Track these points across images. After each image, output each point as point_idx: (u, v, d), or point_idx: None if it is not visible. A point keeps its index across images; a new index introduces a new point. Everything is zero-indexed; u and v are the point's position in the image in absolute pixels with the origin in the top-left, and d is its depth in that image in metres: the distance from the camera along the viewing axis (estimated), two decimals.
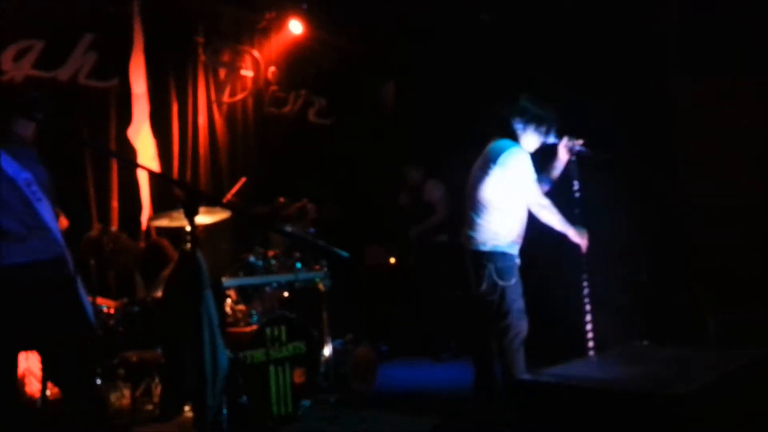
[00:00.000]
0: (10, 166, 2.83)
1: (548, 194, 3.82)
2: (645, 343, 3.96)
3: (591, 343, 3.84)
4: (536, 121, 3.65)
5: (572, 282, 4.40)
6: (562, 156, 3.79)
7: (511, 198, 3.62)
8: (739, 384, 2.85)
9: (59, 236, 2.91)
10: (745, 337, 4.22)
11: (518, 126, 3.66)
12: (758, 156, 4.69)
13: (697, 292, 4.74)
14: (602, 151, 3.84)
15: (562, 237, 3.85)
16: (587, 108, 4.82)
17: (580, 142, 3.77)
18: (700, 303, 4.68)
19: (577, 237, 3.66)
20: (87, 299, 3.05)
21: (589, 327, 3.85)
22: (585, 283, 3.87)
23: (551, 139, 3.72)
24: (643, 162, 4.94)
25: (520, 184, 3.59)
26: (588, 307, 3.88)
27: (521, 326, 3.59)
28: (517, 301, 3.58)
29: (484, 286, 3.57)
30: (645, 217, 4.90)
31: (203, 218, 3.98)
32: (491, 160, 3.63)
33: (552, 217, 3.61)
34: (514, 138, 3.67)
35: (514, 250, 3.67)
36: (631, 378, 2.87)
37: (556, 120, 3.71)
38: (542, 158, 3.87)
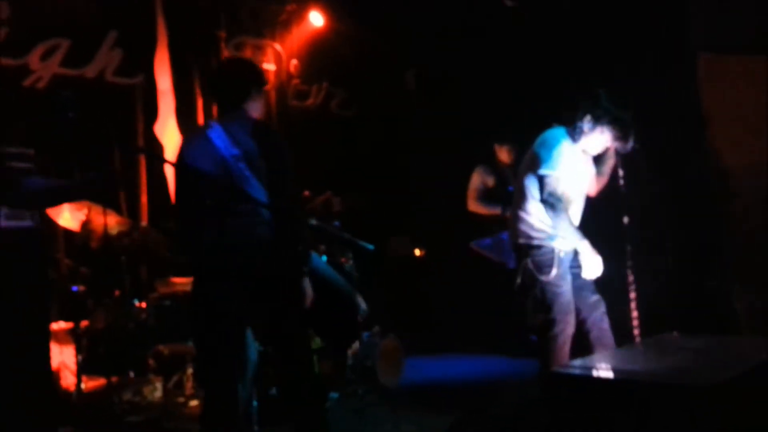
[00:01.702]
0: (222, 142, 2.75)
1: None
2: (675, 333, 3.94)
3: (636, 332, 3.80)
4: (613, 124, 3.37)
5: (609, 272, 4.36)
6: (612, 156, 3.59)
7: None
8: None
9: (267, 216, 2.74)
10: None
11: (586, 124, 3.38)
12: None
13: (730, 280, 4.69)
14: (638, 143, 3.63)
15: (601, 228, 3.78)
16: (615, 93, 4.79)
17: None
18: (733, 290, 4.62)
19: (590, 256, 3.38)
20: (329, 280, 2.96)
21: (634, 315, 3.81)
22: (629, 271, 3.81)
23: (627, 147, 3.45)
24: (674, 147, 4.89)
25: (538, 171, 3.38)
26: (633, 295, 3.83)
27: (566, 321, 3.41)
28: (561, 295, 3.40)
29: (519, 280, 3.48)
30: (674, 203, 4.85)
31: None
32: (534, 146, 3.49)
33: (559, 221, 3.35)
34: (573, 131, 3.43)
35: (558, 243, 3.45)
36: (660, 369, 2.86)
37: (632, 126, 3.42)
38: None
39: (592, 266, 3.37)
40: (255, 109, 2.90)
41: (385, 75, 6.78)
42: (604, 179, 3.68)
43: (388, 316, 5.19)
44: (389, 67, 6.79)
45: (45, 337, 3.34)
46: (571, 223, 3.37)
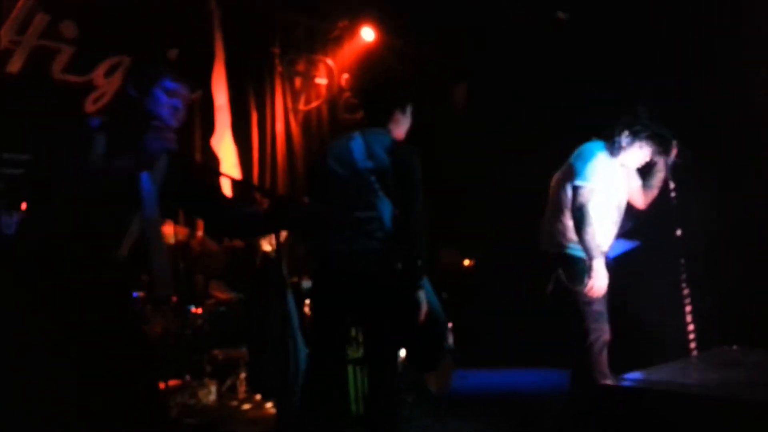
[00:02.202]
0: (360, 154, 2.95)
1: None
2: (734, 347, 3.83)
3: (693, 344, 3.73)
4: (652, 139, 3.42)
5: (663, 285, 4.30)
6: (662, 170, 3.58)
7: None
8: None
9: (387, 228, 2.89)
10: None
11: (624, 139, 3.41)
12: None
13: None
14: (689, 151, 3.62)
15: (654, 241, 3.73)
16: (669, 100, 4.71)
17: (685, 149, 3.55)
18: None
19: (598, 276, 3.31)
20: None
21: (691, 328, 3.74)
22: (683, 284, 3.75)
23: (669, 161, 3.49)
24: (731, 157, 4.78)
25: (572, 182, 3.40)
26: (688, 308, 3.76)
27: (600, 330, 3.41)
28: (592, 304, 3.40)
29: (550, 289, 3.47)
30: (731, 215, 4.73)
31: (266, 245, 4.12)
32: (570, 158, 3.52)
33: (583, 234, 3.32)
34: (611, 145, 3.46)
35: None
36: (716, 384, 2.79)
37: (673, 140, 3.46)
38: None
39: (597, 287, 3.33)
40: (398, 129, 3.12)
41: (435, 87, 6.82)
42: (653, 192, 3.65)
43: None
44: (439, 80, 6.83)
45: None
46: (592, 237, 3.34)
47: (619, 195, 3.54)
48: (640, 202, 3.67)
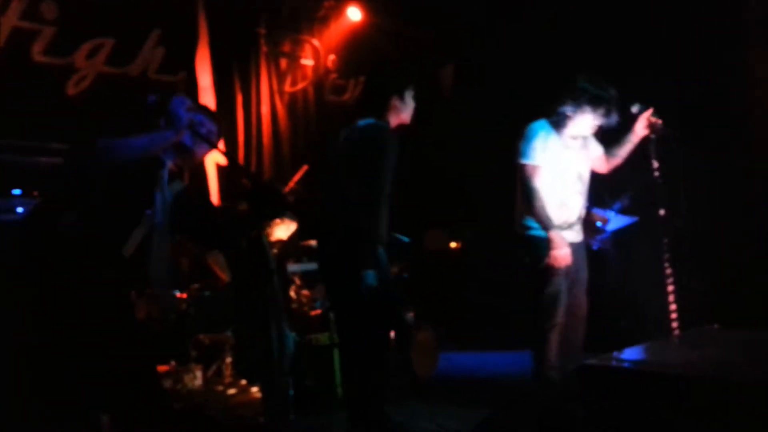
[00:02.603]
0: (345, 141, 3.17)
1: (617, 172, 3.69)
2: (715, 326, 3.84)
3: (675, 324, 3.75)
4: (592, 102, 3.40)
5: (647, 264, 4.31)
6: (639, 131, 3.55)
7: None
8: None
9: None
10: None
11: (567, 108, 3.42)
12: None
13: None
14: (679, 131, 3.62)
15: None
16: (662, 85, 4.70)
17: (660, 121, 3.54)
18: None
19: (556, 245, 3.31)
20: None
21: (673, 308, 3.76)
22: (666, 264, 3.76)
23: (612, 120, 3.47)
24: (720, 140, 4.79)
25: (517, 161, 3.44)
26: (671, 288, 3.78)
27: (552, 313, 3.38)
28: (548, 287, 3.37)
29: (522, 269, 3.48)
30: (716, 195, 4.74)
31: (281, 233, 4.11)
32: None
33: (532, 209, 3.36)
34: (556, 120, 3.48)
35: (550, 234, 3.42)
36: (697, 363, 2.80)
37: (616, 99, 3.46)
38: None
39: (558, 257, 3.32)
40: (397, 117, 3.21)
41: (423, 69, 6.76)
42: (617, 160, 3.65)
43: (423, 309, 5.20)
44: (427, 61, 6.78)
45: None
46: (542, 210, 3.36)
47: (577, 166, 3.54)
48: (603, 168, 3.71)
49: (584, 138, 3.59)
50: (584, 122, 3.48)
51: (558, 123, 3.49)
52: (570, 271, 3.44)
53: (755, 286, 4.57)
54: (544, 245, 3.38)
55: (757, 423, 2.35)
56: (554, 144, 3.47)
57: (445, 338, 5.32)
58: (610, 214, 4.33)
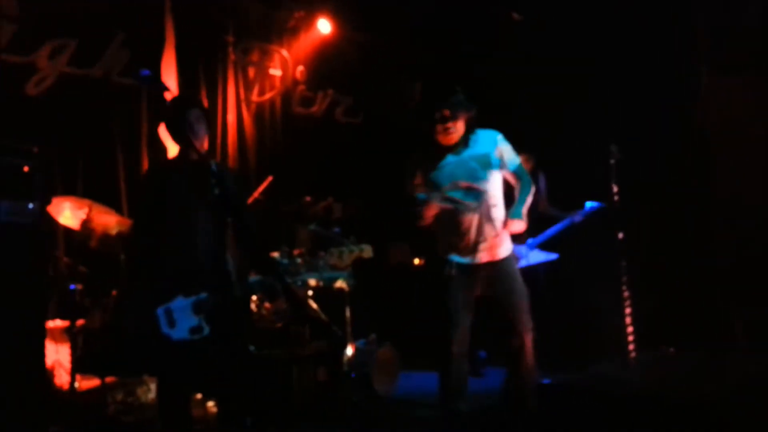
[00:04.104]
0: None
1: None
2: (671, 349, 3.92)
3: (632, 347, 3.81)
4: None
5: (597, 285, 4.37)
6: None
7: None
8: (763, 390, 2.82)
9: None
10: None
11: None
12: None
13: (724, 293, 4.68)
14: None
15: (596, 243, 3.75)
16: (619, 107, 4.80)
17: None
18: (728, 304, 4.61)
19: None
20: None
21: (630, 330, 3.82)
22: (624, 287, 3.83)
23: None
24: (673, 163, 4.91)
25: None
26: (628, 311, 3.85)
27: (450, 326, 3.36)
28: (448, 300, 3.36)
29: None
30: (671, 219, 4.85)
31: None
32: None
33: None
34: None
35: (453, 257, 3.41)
36: (652, 384, 2.85)
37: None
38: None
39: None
40: None
41: (392, 84, 6.79)
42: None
43: (384, 325, 5.17)
44: (396, 77, 6.80)
45: (40, 335, 3.34)
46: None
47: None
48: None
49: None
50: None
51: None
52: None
53: (710, 309, 4.68)
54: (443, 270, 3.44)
55: None
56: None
57: (406, 354, 5.30)
58: (522, 249, 4.37)
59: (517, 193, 3.50)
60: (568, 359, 4.10)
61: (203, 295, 2.89)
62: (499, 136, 3.49)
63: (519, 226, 3.40)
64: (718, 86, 4.97)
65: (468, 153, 3.43)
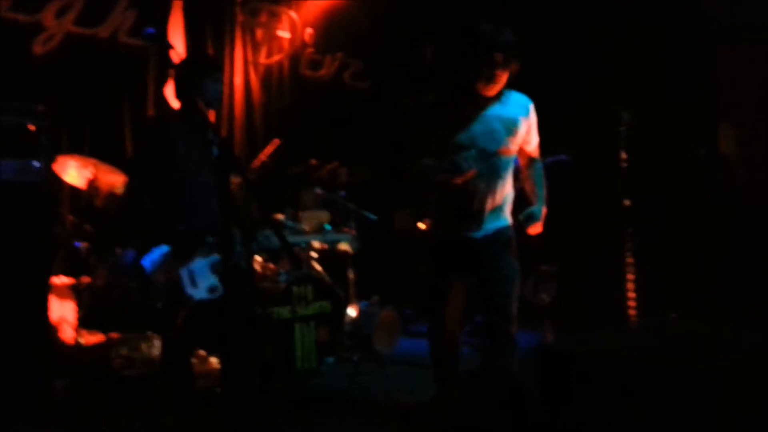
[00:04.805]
0: None
1: None
2: (673, 316, 3.90)
3: (633, 312, 3.80)
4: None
5: (608, 251, 4.34)
6: None
7: None
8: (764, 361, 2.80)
9: None
10: None
11: None
12: None
13: (733, 265, 4.64)
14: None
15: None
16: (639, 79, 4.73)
17: None
18: (733, 273, 4.58)
19: None
20: None
21: (632, 296, 3.81)
22: (628, 254, 3.81)
23: None
24: (683, 134, 4.84)
25: None
26: (631, 277, 3.83)
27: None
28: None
29: None
30: (679, 188, 4.80)
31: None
32: None
33: None
34: None
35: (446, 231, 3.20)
36: (652, 350, 2.84)
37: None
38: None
39: None
40: None
41: (402, 48, 6.70)
42: None
43: (388, 287, 5.20)
44: (407, 40, 6.71)
45: (44, 290, 3.39)
46: None
47: None
48: None
49: None
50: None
51: None
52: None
53: (713, 277, 4.65)
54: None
55: (713, 410, 2.39)
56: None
57: (409, 317, 5.34)
58: None
59: (530, 185, 3.19)
60: (570, 323, 4.10)
61: (216, 255, 2.91)
62: (532, 105, 3.12)
63: (538, 228, 3.10)
64: (731, 57, 4.88)
65: (494, 112, 3.05)
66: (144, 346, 3.83)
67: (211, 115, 3.11)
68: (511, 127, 3.04)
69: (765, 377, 2.72)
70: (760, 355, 2.84)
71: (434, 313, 3.26)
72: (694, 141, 4.87)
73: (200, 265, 2.90)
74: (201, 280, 2.89)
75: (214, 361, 3.94)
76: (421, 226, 5.24)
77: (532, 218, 3.08)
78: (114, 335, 3.84)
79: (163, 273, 2.86)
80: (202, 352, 3.98)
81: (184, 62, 3.17)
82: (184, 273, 2.87)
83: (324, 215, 4.38)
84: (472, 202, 3.04)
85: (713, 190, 4.84)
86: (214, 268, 2.91)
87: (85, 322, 3.83)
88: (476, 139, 3.00)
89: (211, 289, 2.91)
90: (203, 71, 3.07)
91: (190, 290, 2.87)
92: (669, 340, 3.17)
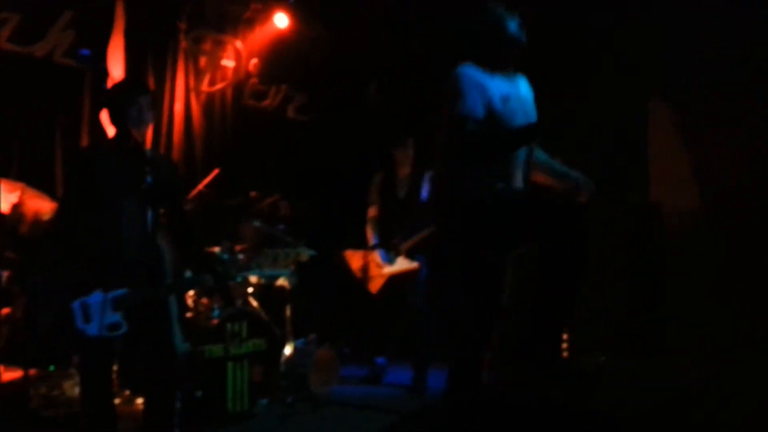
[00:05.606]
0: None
1: None
2: (603, 358, 3.97)
3: (565, 354, 3.84)
4: None
5: None
6: None
7: None
8: (690, 403, 2.87)
9: None
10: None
11: None
12: None
13: (663, 303, 4.78)
14: None
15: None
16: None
17: None
18: (664, 314, 4.71)
19: None
20: None
21: (564, 337, 3.85)
22: None
23: None
24: (615, 175, 5.00)
25: None
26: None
27: None
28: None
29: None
30: (609, 228, 4.93)
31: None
32: None
33: None
34: None
35: None
36: (579, 394, 2.87)
37: None
38: None
39: None
40: None
41: (346, 82, 6.72)
42: None
43: (325, 325, 5.13)
44: (351, 74, 6.74)
45: None
46: None
47: None
48: None
49: None
50: None
51: None
52: None
53: (645, 318, 4.78)
54: None
55: None
56: None
57: (348, 355, 5.28)
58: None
59: (544, 170, 3.06)
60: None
61: (122, 291, 2.80)
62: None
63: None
64: (663, 114, 5.12)
65: (523, 89, 2.93)
66: (67, 385, 3.63)
67: (148, 139, 3.04)
68: (533, 107, 2.96)
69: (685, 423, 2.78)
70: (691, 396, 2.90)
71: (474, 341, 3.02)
72: (624, 188, 5.04)
73: (97, 299, 2.78)
74: (97, 315, 2.77)
75: (139, 401, 3.76)
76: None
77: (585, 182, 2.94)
78: (33, 372, 3.63)
79: (50, 304, 2.77)
80: (127, 392, 3.81)
81: (116, 87, 3.08)
82: (76, 306, 2.76)
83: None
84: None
85: (643, 237, 5.00)
86: (118, 305, 2.80)
87: (3, 356, 3.61)
88: (517, 116, 2.80)
89: (111, 327, 2.78)
90: (135, 95, 3.00)
91: (81, 325, 2.76)
92: (597, 382, 3.20)
